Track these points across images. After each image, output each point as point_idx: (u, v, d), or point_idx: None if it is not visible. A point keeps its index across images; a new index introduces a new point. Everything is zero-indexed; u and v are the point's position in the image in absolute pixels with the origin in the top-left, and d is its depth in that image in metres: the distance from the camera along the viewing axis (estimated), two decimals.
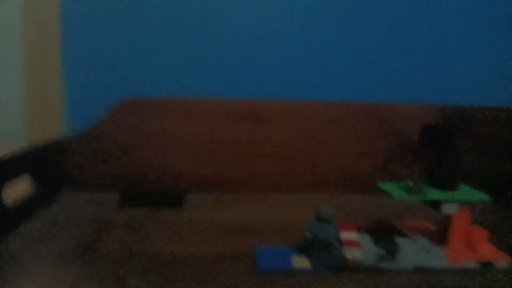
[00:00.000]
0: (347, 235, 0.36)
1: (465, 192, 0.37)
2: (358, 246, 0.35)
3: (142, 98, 0.57)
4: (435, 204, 0.36)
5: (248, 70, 0.62)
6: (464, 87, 0.65)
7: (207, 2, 0.61)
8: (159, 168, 0.57)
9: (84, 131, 0.56)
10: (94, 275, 0.33)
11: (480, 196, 0.36)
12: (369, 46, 0.64)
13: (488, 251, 0.37)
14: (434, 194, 0.36)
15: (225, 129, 0.58)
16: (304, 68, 0.63)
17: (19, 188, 0.46)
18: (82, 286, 0.31)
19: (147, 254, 0.37)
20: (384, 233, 0.40)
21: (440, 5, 0.64)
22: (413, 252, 0.35)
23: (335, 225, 0.35)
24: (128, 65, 0.59)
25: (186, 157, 0.58)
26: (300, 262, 0.35)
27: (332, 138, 0.59)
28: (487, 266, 0.36)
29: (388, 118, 0.60)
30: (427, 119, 0.60)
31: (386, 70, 0.64)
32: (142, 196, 0.54)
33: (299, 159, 0.59)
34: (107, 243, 0.40)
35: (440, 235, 0.39)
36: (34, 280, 0.32)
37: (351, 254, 0.35)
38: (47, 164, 0.52)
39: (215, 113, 0.58)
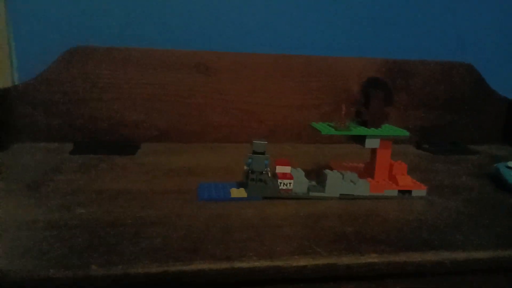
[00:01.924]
0: (282, 169, 0.40)
1: (387, 129, 0.41)
2: (291, 178, 0.39)
3: (92, 46, 0.57)
4: (360, 139, 0.40)
5: (198, 21, 0.63)
6: (404, 43, 0.69)
7: None
8: (111, 117, 0.58)
9: (33, 80, 0.56)
10: (42, 206, 0.35)
11: (399, 132, 0.40)
12: (316, 1, 0.66)
13: (407, 181, 0.42)
14: (358, 130, 0.39)
15: (174, 80, 0.59)
16: (253, 21, 0.64)
17: None
18: (30, 215, 0.33)
19: (94, 190, 0.39)
20: (317, 169, 0.44)
21: None
22: (339, 182, 0.39)
23: (268, 157, 0.38)
24: (77, 13, 0.58)
25: (138, 107, 0.59)
26: (238, 193, 0.38)
27: (278, 90, 0.62)
28: (405, 194, 0.41)
29: (331, 71, 0.63)
30: (368, 72, 0.64)
31: (332, 24, 0.66)
32: (96, 144, 0.55)
33: (247, 110, 0.62)
34: (56, 182, 0.41)
35: (367, 170, 0.44)
36: None
37: (284, 185, 0.39)
38: None
39: (166, 63, 0.59)
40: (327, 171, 0.40)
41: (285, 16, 0.65)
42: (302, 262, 0.28)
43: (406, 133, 0.41)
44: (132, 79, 0.58)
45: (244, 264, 0.27)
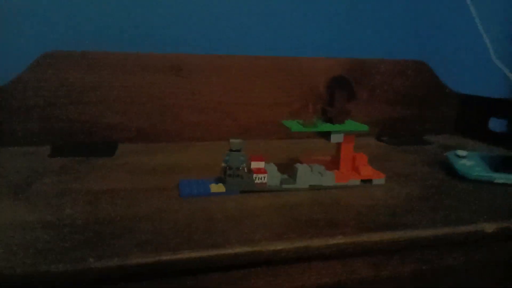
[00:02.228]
0: (256, 164, 0.44)
1: (350, 125, 0.45)
2: (265, 173, 0.43)
3: (67, 51, 0.58)
4: (326, 135, 0.44)
5: (171, 25, 0.65)
6: (365, 43, 0.74)
7: None
8: (88, 120, 0.60)
9: (6, 85, 0.56)
10: (31, 207, 0.37)
11: (360, 127, 0.45)
12: (284, 5, 0.69)
13: (368, 171, 0.46)
14: (324, 126, 0.44)
15: (150, 82, 0.62)
16: (224, 24, 0.67)
17: None
18: (20, 217, 0.35)
19: (80, 191, 0.41)
20: (288, 164, 0.48)
21: None
22: (308, 174, 0.43)
23: (244, 155, 0.41)
24: (52, 18, 0.59)
25: (114, 109, 0.61)
26: (217, 188, 0.42)
27: (250, 89, 0.66)
28: (366, 182, 0.46)
29: (299, 71, 0.67)
30: (334, 71, 0.69)
31: (300, 27, 0.71)
32: (74, 146, 0.57)
33: (221, 109, 0.65)
34: (40, 185, 0.43)
35: (333, 163, 0.48)
36: None
37: (259, 179, 0.42)
38: None
39: (139, 66, 0.61)
40: (298, 164, 0.44)
41: (255, 19, 0.68)
42: (279, 246, 0.32)
43: (365, 127, 0.45)
44: (107, 82, 0.59)
45: (228, 251, 0.31)
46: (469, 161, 0.52)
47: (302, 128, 0.42)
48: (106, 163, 0.51)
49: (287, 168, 0.47)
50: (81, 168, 0.49)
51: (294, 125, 0.43)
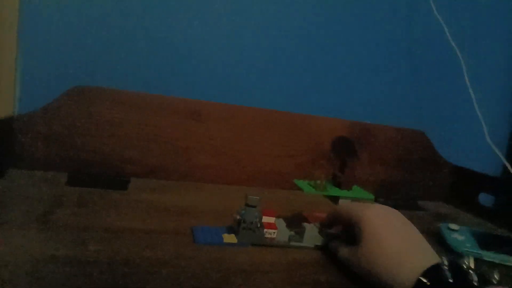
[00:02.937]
0: (268, 219, 0.46)
1: (357, 191, 0.49)
2: (275, 228, 0.45)
3: (95, 87, 0.61)
4: (335, 199, 0.48)
5: (193, 73, 0.69)
6: (369, 108, 0.80)
7: (162, 5, 0.67)
8: (105, 153, 0.62)
9: (35, 112, 0.59)
10: (55, 240, 0.39)
11: (367, 195, 0.49)
12: (299, 68, 0.75)
13: None
14: (334, 191, 0.47)
15: (169, 123, 0.65)
16: (243, 77, 0.72)
17: None
18: (48, 250, 0.37)
19: (99, 227, 0.43)
20: (295, 220, 0.51)
21: (363, 42, 0.78)
22: (315, 234, 0.46)
23: (259, 210, 0.44)
24: (84, 55, 0.63)
25: (132, 145, 0.63)
26: (229, 238, 0.44)
27: (261, 140, 0.70)
28: None
29: (307, 127, 0.72)
30: (338, 131, 0.73)
31: (308, 86, 0.76)
32: (89, 177, 0.59)
33: (231, 155, 0.69)
34: (61, 215, 0.45)
35: None
36: (1, 245, 0.36)
37: (269, 234, 0.45)
38: None
39: (161, 108, 0.64)
40: (306, 224, 0.47)
41: (271, 76, 0.73)
42: None
43: (371, 196, 0.49)
44: (128, 119, 0.63)
45: None
46: (460, 235, 0.55)
47: (314, 191, 0.46)
48: (121, 199, 0.54)
49: (294, 223, 0.49)
50: (97, 200, 0.51)
51: (306, 187, 0.47)
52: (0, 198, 0.48)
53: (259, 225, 0.45)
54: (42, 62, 0.61)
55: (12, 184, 0.53)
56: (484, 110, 0.71)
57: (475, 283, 0.31)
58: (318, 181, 0.46)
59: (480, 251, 0.51)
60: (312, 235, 0.46)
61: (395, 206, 0.71)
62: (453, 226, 0.57)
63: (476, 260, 0.34)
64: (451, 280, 0.32)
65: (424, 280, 0.33)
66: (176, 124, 0.65)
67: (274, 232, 0.45)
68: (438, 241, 0.56)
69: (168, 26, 0.67)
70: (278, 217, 0.48)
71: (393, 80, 0.81)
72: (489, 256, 0.51)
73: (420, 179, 0.80)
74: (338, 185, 0.48)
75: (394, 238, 0.38)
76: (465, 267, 0.34)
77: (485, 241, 0.55)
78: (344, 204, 0.47)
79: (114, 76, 0.64)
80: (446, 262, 0.34)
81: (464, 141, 0.84)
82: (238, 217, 0.45)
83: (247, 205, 0.44)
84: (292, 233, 0.47)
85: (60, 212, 0.46)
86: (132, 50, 0.66)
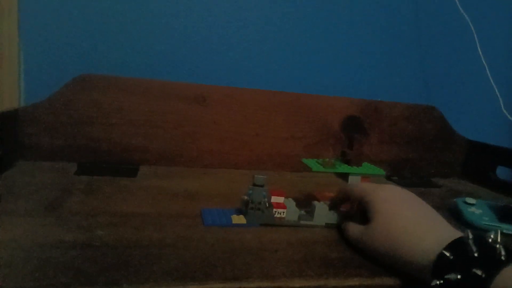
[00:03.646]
0: (277, 199, 0.45)
1: (367, 168, 0.48)
2: (284, 208, 0.45)
3: (99, 75, 0.61)
4: (344, 176, 0.47)
5: (196, 56, 0.69)
6: (378, 85, 0.78)
7: None
8: (113, 140, 0.62)
9: (41, 102, 0.59)
10: (63, 226, 0.39)
11: (377, 171, 0.47)
12: (304, 46, 0.73)
13: None
14: (343, 168, 0.46)
15: (174, 109, 0.64)
16: (249, 60, 0.71)
17: None
18: (55, 235, 0.37)
19: (108, 212, 0.43)
20: (305, 200, 0.50)
21: (371, 18, 0.76)
22: (325, 213, 0.45)
23: (266, 190, 0.43)
24: (87, 43, 0.63)
25: (138, 133, 0.63)
26: (238, 219, 0.44)
27: (267, 122, 0.68)
28: None
29: (314, 108, 0.70)
30: (346, 110, 0.72)
31: (314, 65, 0.74)
32: (98, 165, 0.59)
33: (238, 139, 0.68)
34: (70, 203, 0.45)
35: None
36: (9, 231, 0.37)
37: (279, 213, 0.44)
38: (4, 131, 0.54)
39: (165, 94, 0.64)
40: (315, 202, 0.46)
41: (277, 58, 0.72)
42: (297, 283, 0.34)
43: (382, 172, 0.47)
44: (134, 106, 0.62)
45: (250, 285, 0.32)
46: (477, 209, 0.53)
47: (322, 168, 0.45)
48: (129, 185, 0.54)
49: (304, 203, 0.48)
50: (106, 188, 0.51)
51: (314, 165, 0.45)
52: (8, 188, 0.48)
53: (267, 205, 0.44)
54: (45, 52, 0.61)
55: (21, 175, 0.53)
56: (498, 81, 0.68)
57: (503, 258, 0.29)
58: (327, 159, 0.45)
59: (499, 224, 0.50)
60: (322, 213, 0.45)
61: (409, 184, 0.70)
62: (470, 200, 0.55)
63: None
64: (476, 254, 0.30)
65: (447, 254, 0.31)
66: (182, 110, 0.65)
67: (284, 212, 0.44)
68: (455, 216, 0.54)
69: (169, 11, 0.66)
70: (287, 197, 0.47)
71: (401, 55, 0.78)
72: (509, 228, 0.49)
73: (433, 155, 0.78)
74: (347, 162, 0.47)
75: (410, 212, 0.37)
76: (491, 240, 0.32)
77: (504, 215, 0.53)
78: (354, 183, 0.45)
79: (118, 63, 0.64)
80: (471, 236, 0.32)
81: (478, 115, 0.81)
82: (246, 197, 0.44)
83: (254, 184, 0.43)
84: (302, 212, 0.46)
85: (68, 200, 0.46)
86: (134, 36, 0.65)
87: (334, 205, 0.45)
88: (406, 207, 0.38)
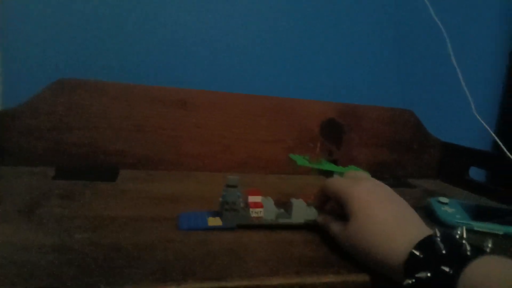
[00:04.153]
0: (253, 198, 0.46)
1: (352, 169, 0.49)
2: (261, 207, 0.45)
3: (79, 79, 0.61)
4: (328, 174, 0.48)
5: (179, 61, 0.69)
6: (356, 90, 0.80)
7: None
8: (92, 145, 0.62)
9: (19, 106, 0.58)
10: (40, 231, 0.38)
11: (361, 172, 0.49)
12: (285, 51, 0.75)
13: None
14: (328, 166, 0.47)
15: (155, 113, 0.65)
16: (229, 64, 0.72)
17: None
18: (33, 240, 0.36)
19: (87, 216, 0.43)
20: (284, 198, 0.51)
21: (349, 23, 0.78)
22: (304, 209, 0.46)
23: (239, 190, 0.44)
24: (67, 46, 0.62)
25: (119, 137, 0.63)
26: (214, 221, 0.44)
27: (249, 126, 0.69)
28: None
29: (295, 112, 0.72)
30: (326, 114, 0.73)
31: (295, 70, 0.76)
32: (77, 170, 0.59)
33: (220, 143, 0.68)
34: (48, 207, 0.45)
35: None
36: None
37: (256, 213, 0.45)
38: None
39: (146, 98, 0.64)
40: (293, 199, 0.46)
41: (257, 62, 0.73)
42: (275, 281, 0.34)
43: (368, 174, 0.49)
44: (115, 111, 0.62)
45: (229, 284, 0.33)
46: (450, 208, 0.55)
47: (307, 164, 0.45)
48: (109, 189, 0.54)
49: (284, 202, 0.49)
50: (85, 192, 0.51)
51: (299, 160, 0.46)
52: None
53: (242, 205, 0.44)
54: (24, 56, 0.61)
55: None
56: (470, 85, 0.71)
57: (468, 253, 0.30)
58: (313, 156, 0.46)
59: (471, 222, 0.52)
60: (300, 210, 0.45)
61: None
62: (443, 199, 0.57)
63: (468, 231, 0.34)
64: (444, 251, 0.31)
65: (417, 253, 0.32)
66: (163, 114, 0.65)
67: (261, 211, 0.45)
68: (429, 215, 0.56)
69: (151, 15, 0.67)
70: (266, 196, 0.48)
71: (378, 60, 0.80)
72: (480, 226, 0.51)
73: (410, 157, 0.80)
74: (334, 161, 0.48)
75: (384, 212, 0.38)
76: (457, 237, 0.33)
77: (476, 213, 0.55)
78: (332, 179, 0.46)
79: (98, 67, 0.64)
80: (438, 234, 0.33)
81: (452, 118, 0.84)
82: (220, 199, 0.44)
83: (227, 186, 0.43)
84: (281, 210, 0.47)
85: (46, 204, 0.46)
86: (115, 41, 0.65)
87: (320, 205, 0.46)
88: (380, 206, 0.39)
